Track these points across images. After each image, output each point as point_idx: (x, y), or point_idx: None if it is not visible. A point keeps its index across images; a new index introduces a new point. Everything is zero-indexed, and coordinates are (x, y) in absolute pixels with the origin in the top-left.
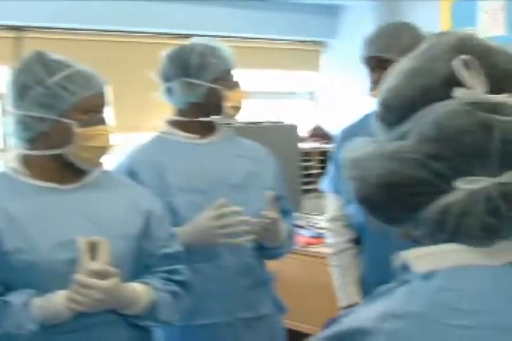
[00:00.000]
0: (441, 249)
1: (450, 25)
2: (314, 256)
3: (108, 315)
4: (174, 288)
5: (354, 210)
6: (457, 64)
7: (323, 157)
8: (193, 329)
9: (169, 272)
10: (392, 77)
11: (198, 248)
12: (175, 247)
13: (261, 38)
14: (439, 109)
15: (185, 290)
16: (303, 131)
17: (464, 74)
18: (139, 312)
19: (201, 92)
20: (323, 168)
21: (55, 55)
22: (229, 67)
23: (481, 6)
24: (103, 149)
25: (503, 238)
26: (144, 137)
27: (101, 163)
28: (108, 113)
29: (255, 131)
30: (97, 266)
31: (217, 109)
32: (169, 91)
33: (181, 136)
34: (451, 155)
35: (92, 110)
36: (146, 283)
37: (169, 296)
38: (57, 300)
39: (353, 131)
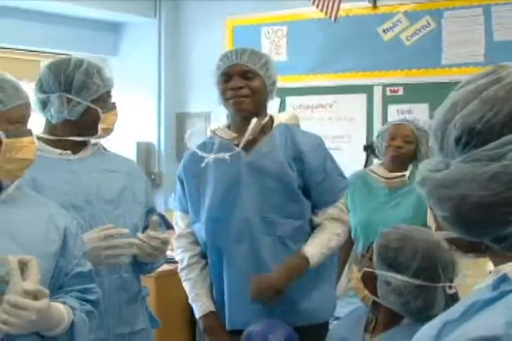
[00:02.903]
0: None
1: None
2: None
3: (30, 336)
4: (88, 307)
5: (198, 228)
6: None
7: None
8: None
9: (82, 291)
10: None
11: None
12: (87, 266)
13: (43, 52)
14: None
15: (96, 309)
16: None
17: None
18: (59, 334)
19: (79, 111)
20: None
21: None
22: (109, 88)
23: (264, 32)
24: (27, 162)
25: None
26: None
27: (20, 177)
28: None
29: None
30: (30, 285)
31: (92, 130)
32: (44, 103)
33: (53, 152)
34: None
35: (18, 121)
36: (64, 303)
37: (85, 316)
38: None
39: (196, 154)
